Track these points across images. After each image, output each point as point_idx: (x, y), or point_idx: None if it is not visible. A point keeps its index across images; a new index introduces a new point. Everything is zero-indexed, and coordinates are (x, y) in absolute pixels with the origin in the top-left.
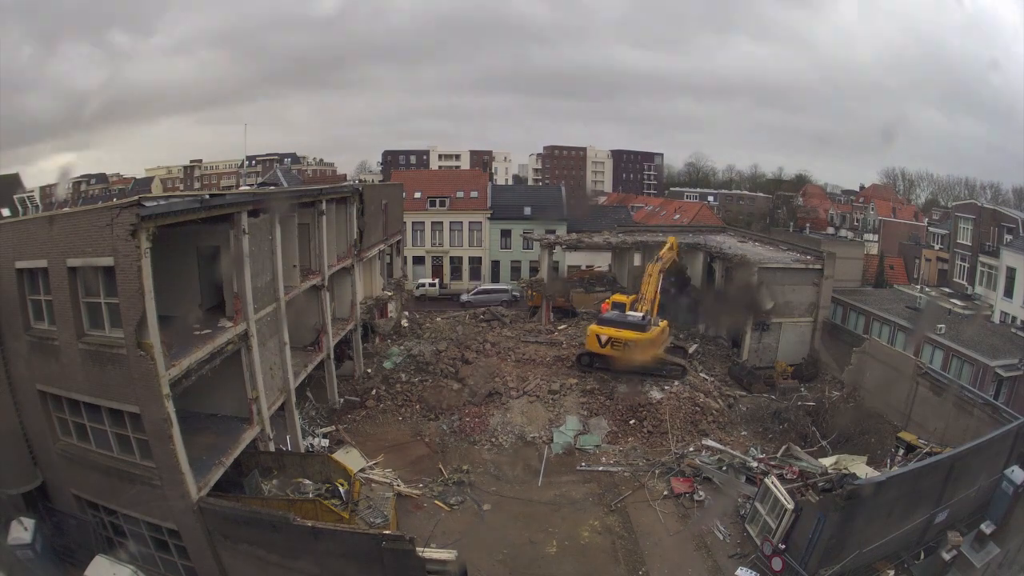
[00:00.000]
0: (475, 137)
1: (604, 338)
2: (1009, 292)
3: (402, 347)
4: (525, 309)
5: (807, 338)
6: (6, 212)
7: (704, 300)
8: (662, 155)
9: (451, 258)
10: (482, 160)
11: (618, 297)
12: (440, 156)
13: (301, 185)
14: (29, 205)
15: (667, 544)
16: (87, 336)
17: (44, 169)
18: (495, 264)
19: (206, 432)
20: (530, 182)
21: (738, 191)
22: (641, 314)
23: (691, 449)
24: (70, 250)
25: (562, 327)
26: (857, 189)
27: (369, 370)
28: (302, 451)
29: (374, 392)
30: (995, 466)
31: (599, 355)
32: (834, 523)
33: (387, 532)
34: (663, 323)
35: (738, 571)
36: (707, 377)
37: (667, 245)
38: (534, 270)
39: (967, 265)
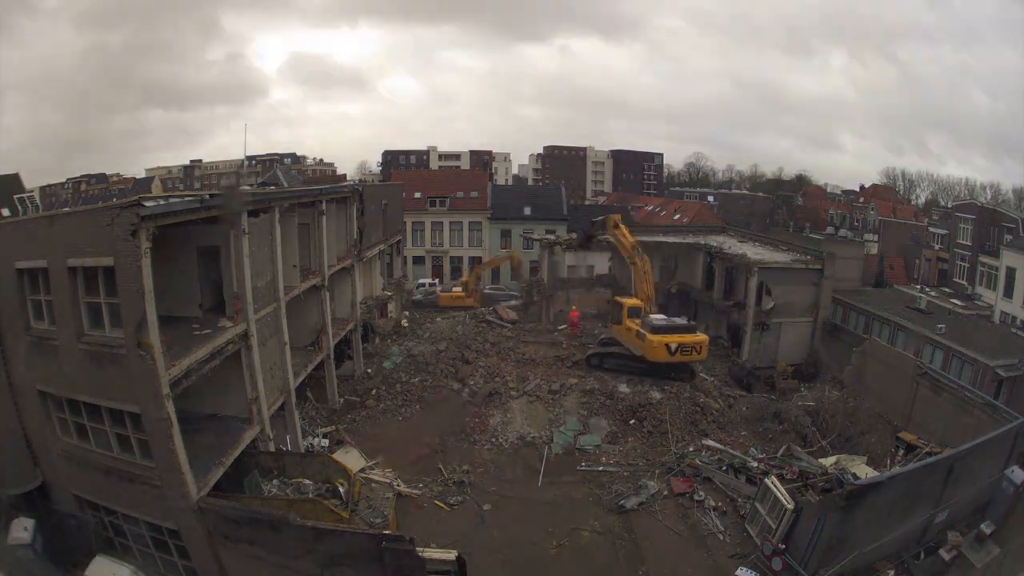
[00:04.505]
0: None
1: (674, 346)
2: (1009, 292)
3: (402, 347)
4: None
5: (807, 338)
6: (6, 212)
7: (703, 300)
8: (662, 155)
9: (451, 258)
10: (482, 160)
11: (631, 301)
12: (440, 156)
13: (301, 185)
14: (29, 205)
15: (667, 544)
16: (87, 336)
17: None
18: None
19: (206, 432)
20: (530, 182)
21: (738, 191)
22: (664, 317)
23: (691, 449)
24: (70, 250)
25: (562, 327)
26: (857, 189)
27: (369, 370)
28: (302, 451)
29: (374, 392)
30: (995, 466)
31: (608, 356)
32: (834, 523)
33: (387, 532)
34: None
35: (738, 571)
36: (707, 377)
37: (617, 231)
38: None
39: (967, 265)
